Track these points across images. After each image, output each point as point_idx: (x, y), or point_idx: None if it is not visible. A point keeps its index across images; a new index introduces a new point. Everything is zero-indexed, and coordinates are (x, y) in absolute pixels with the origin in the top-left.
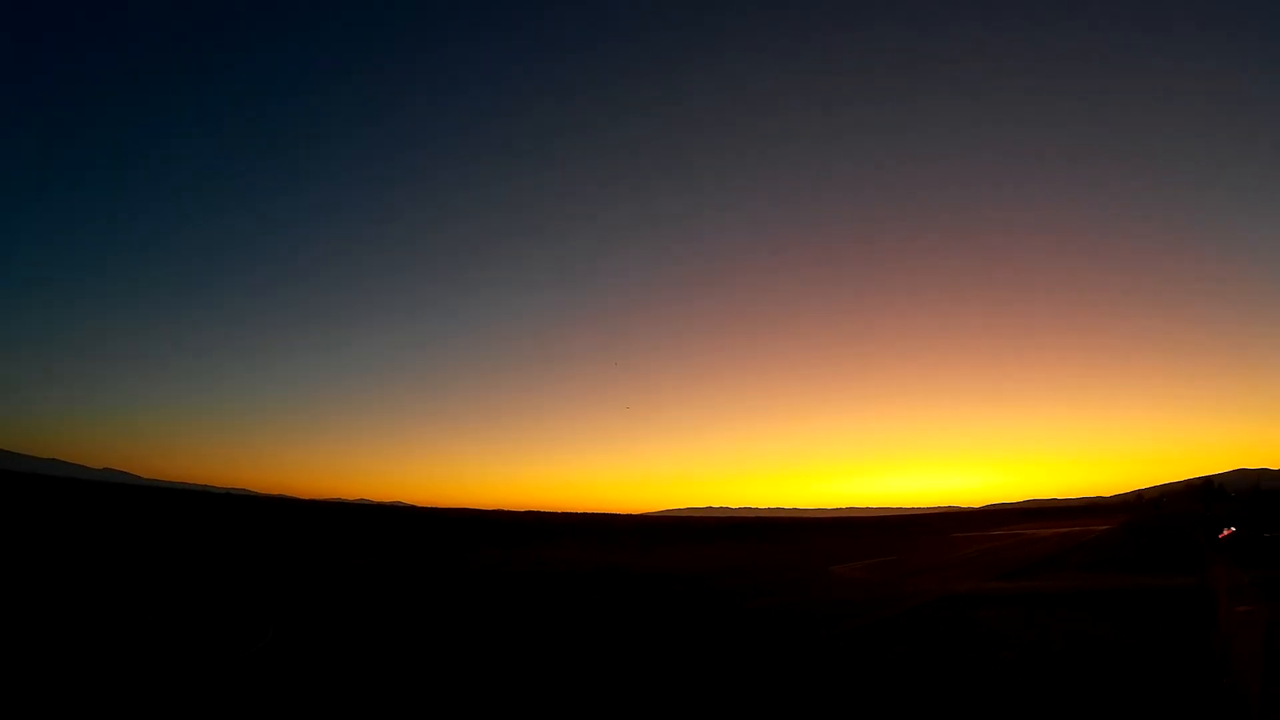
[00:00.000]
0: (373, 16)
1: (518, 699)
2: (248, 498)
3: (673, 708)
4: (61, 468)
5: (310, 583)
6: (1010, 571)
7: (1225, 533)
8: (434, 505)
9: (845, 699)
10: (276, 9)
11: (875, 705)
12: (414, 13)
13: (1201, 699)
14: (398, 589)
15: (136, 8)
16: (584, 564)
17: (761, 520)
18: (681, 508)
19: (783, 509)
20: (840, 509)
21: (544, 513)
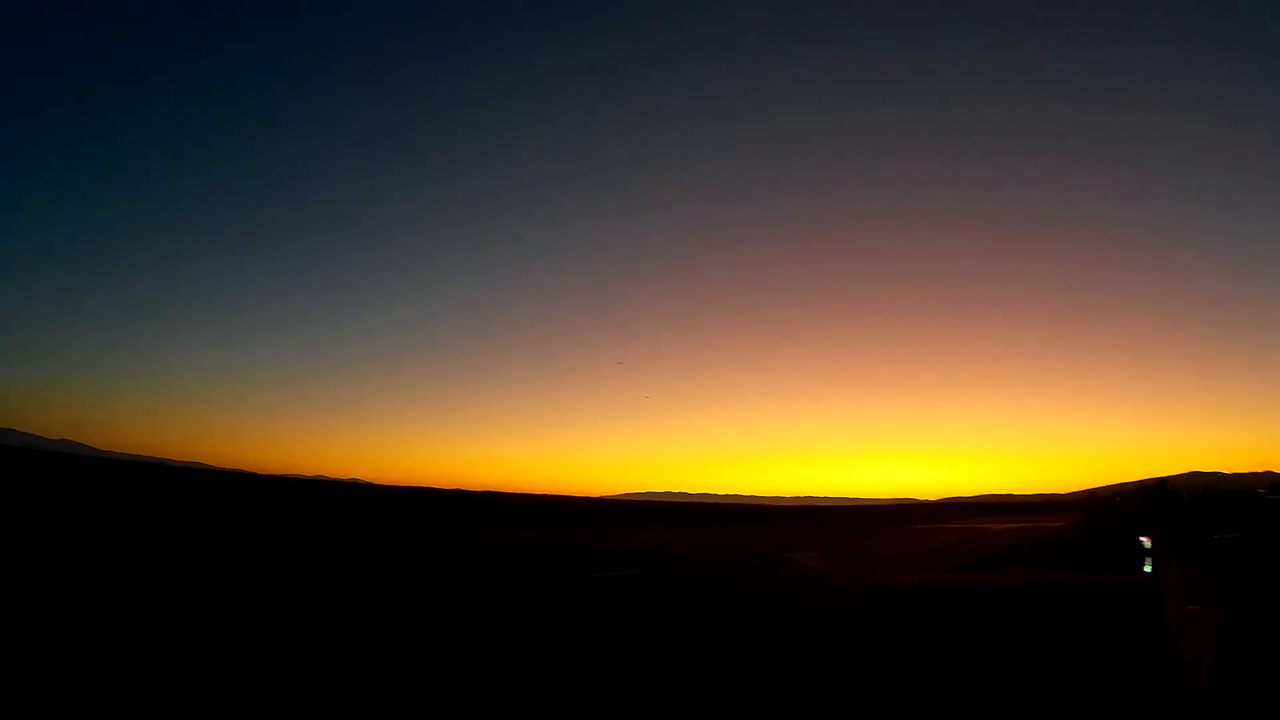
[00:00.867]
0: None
1: (462, 675)
2: (204, 471)
3: (622, 693)
4: (16, 437)
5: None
6: (965, 564)
7: (1176, 529)
8: (393, 483)
9: (801, 685)
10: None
11: (829, 691)
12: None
13: (1150, 693)
14: (357, 570)
15: None
16: (538, 544)
17: (720, 506)
18: (641, 491)
19: (741, 495)
20: (799, 497)
21: (502, 493)
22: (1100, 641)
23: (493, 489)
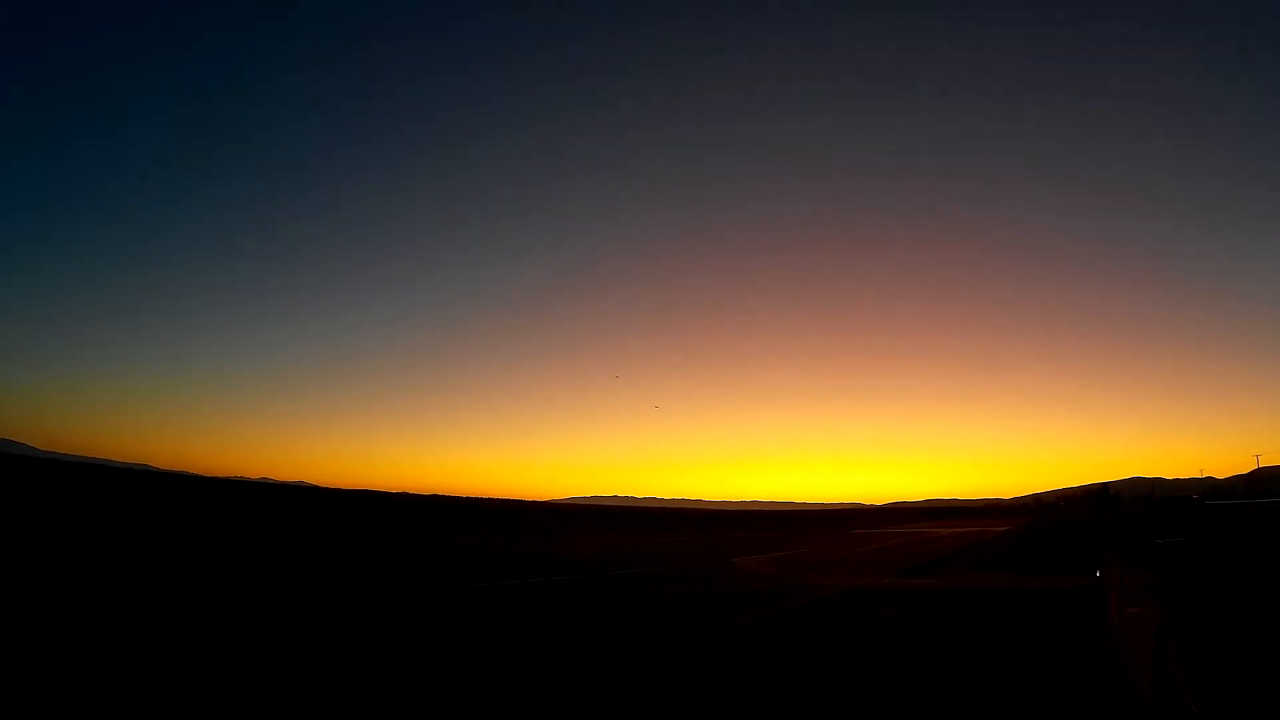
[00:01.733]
0: None
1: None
2: (148, 473)
3: (578, 695)
4: None
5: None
6: (909, 568)
7: (1117, 533)
8: (339, 486)
9: (743, 687)
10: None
11: (771, 693)
12: None
13: (1091, 693)
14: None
15: None
16: (484, 548)
17: (666, 510)
18: (588, 495)
19: (688, 500)
20: (745, 502)
21: (449, 496)
22: (1040, 642)
23: (440, 492)
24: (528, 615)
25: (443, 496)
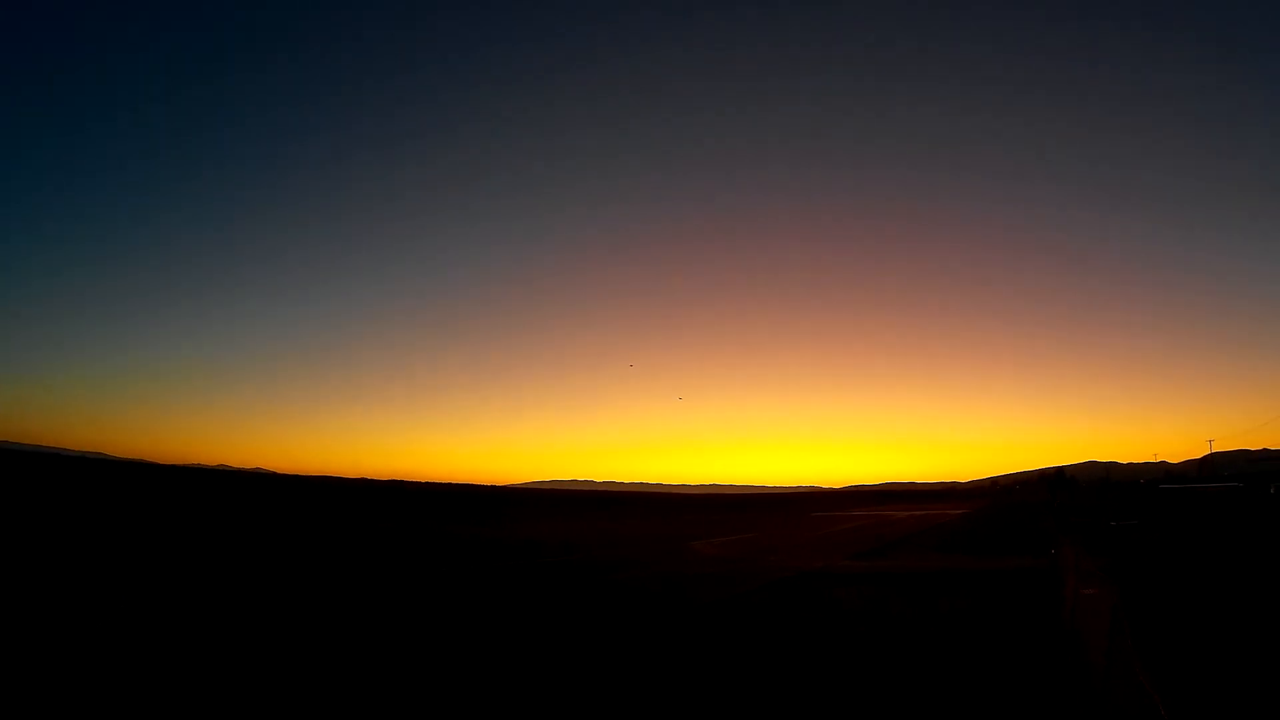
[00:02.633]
0: None
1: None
2: (104, 461)
3: (529, 679)
4: None
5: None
6: (867, 551)
7: (1073, 516)
8: (296, 472)
9: (702, 668)
10: None
11: (730, 674)
12: None
13: (1046, 674)
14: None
15: None
16: (447, 534)
17: (625, 495)
18: (548, 480)
19: (648, 484)
20: (705, 485)
21: (409, 482)
22: (997, 623)
23: (399, 478)
24: (511, 599)
25: (402, 482)
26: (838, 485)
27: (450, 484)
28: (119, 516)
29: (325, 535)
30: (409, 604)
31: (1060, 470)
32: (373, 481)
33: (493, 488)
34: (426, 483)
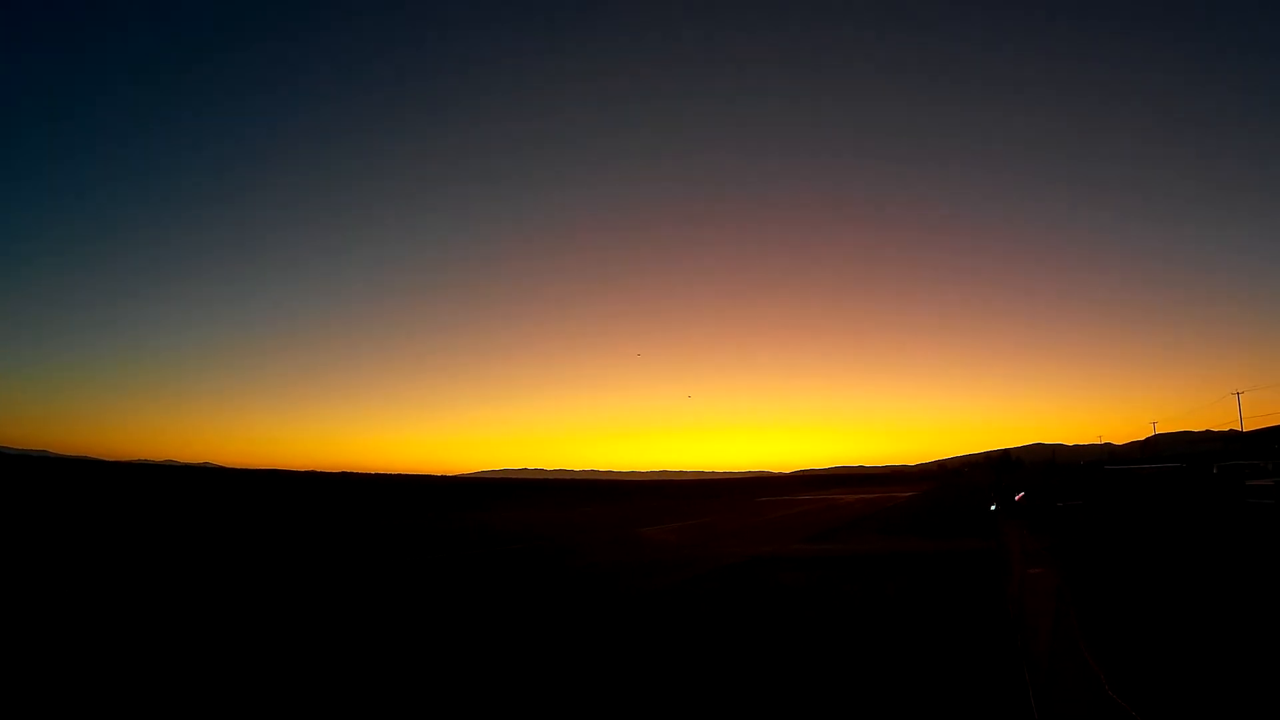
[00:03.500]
0: None
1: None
2: (45, 459)
3: (482, 665)
4: None
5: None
6: (815, 535)
7: (1018, 497)
8: (244, 466)
9: (652, 653)
10: None
11: (679, 658)
12: None
13: (993, 650)
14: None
15: None
16: (397, 524)
17: (575, 482)
18: (496, 469)
19: (597, 470)
20: (654, 472)
21: (357, 473)
22: (944, 604)
23: (348, 469)
24: (473, 586)
25: (352, 474)
26: (786, 470)
27: (398, 474)
28: (73, 515)
29: (278, 529)
30: (379, 595)
31: (1006, 453)
32: (320, 474)
33: (441, 478)
34: (373, 474)
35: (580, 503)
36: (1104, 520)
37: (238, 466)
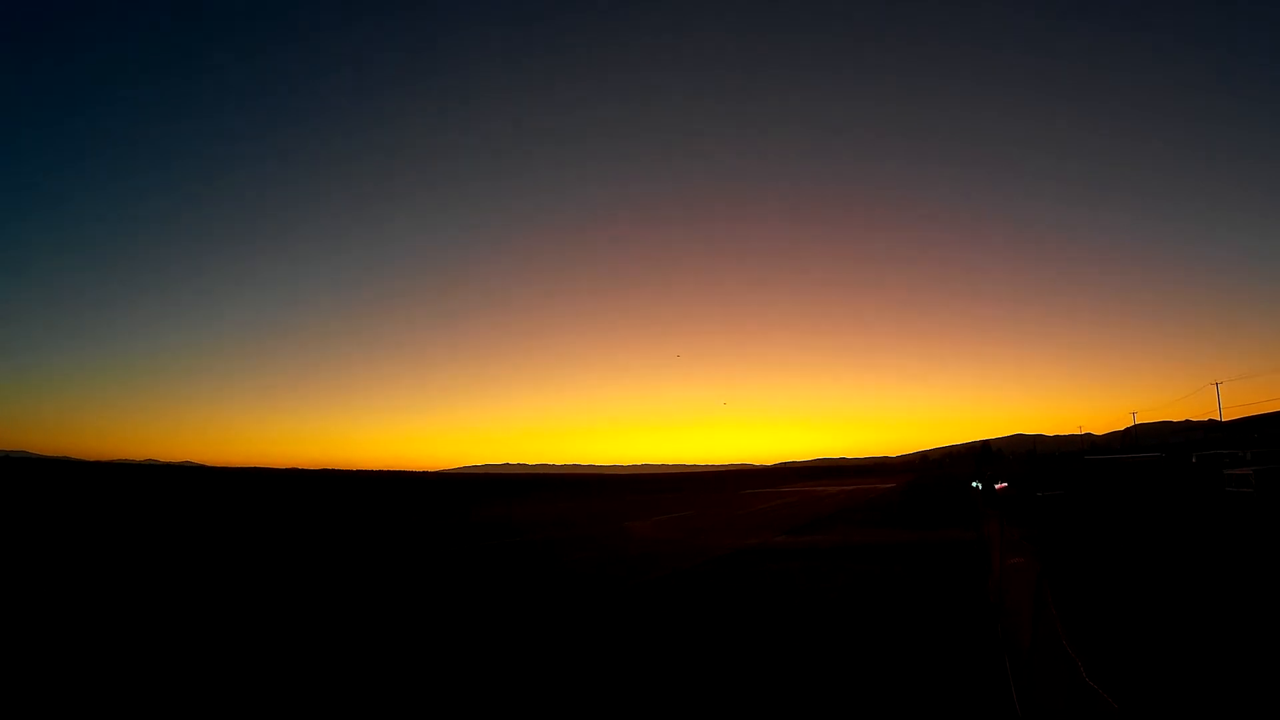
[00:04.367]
0: None
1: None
2: (25, 460)
3: (476, 657)
4: None
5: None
6: (799, 526)
7: (1000, 486)
8: (226, 464)
9: (645, 643)
10: None
11: (672, 648)
12: None
13: (974, 638)
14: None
15: None
16: (373, 523)
17: (559, 477)
18: (480, 464)
19: (580, 465)
20: (636, 466)
21: (339, 470)
22: (926, 594)
23: (330, 466)
24: (475, 580)
25: (334, 471)
26: (769, 462)
27: (381, 470)
28: (56, 517)
29: (269, 527)
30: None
31: (986, 444)
32: (302, 471)
33: (423, 474)
34: (357, 470)
35: (563, 498)
36: (1084, 510)
37: (219, 465)
